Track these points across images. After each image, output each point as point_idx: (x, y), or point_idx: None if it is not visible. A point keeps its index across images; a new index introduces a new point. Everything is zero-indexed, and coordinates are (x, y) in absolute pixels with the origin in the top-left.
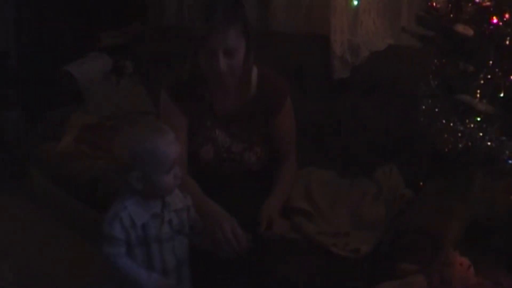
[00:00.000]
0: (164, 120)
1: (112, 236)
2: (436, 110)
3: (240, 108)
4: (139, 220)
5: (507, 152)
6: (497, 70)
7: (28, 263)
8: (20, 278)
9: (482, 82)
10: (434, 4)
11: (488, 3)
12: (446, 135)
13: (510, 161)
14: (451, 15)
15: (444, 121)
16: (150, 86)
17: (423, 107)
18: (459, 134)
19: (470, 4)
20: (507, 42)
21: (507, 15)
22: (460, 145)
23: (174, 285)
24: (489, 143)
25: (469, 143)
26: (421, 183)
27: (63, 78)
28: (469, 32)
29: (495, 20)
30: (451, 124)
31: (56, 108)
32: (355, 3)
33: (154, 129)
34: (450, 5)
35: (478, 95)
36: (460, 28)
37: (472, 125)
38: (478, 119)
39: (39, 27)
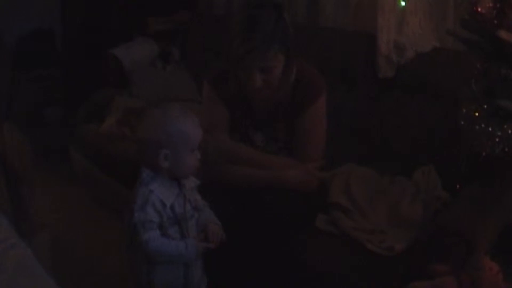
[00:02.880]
0: (207, 112)
1: (148, 221)
2: (476, 114)
3: (277, 107)
4: (167, 201)
5: None
6: None
7: (63, 241)
8: (55, 254)
9: None
10: (479, 9)
11: None
12: (484, 139)
13: None
14: (495, 21)
15: (483, 125)
16: (196, 74)
17: (464, 110)
18: (497, 139)
19: None
20: None
21: None
22: (497, 150)
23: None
24: None
25: (506, 149)
26: (458, 186)
27: (109, 61)
28: None
29: None
30: (490, 129)
31: (100, 90)
32: (403, 3)
33: (183, 112)
34: (494, 10)
35: None
36: (503, 34)
37: (510, 131)
38: None
39: (86, 8)
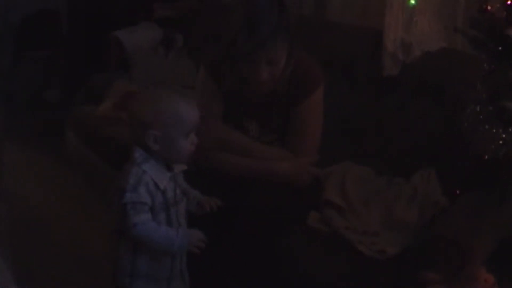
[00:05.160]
0: (201, 96)
1: (140, 202)
2: (481, 117)
3: (273, 97)
4: (161, 183)
5: None
6: None
7: (48, 220)
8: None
9: None
10: (489, 7)
11: None
12: (487, 142)
13: None
14: (505, 20)
15: (487, 127)
16: (198, 61)
17: (468, 111)
18: (501, 142)
19: None
20: None
21: None
22: (500, 154)
23: (201, 234)
24: None
25: (510, 153)
26: (458, 191)
27: (111, 44)
28: None
29: None
30: (494, 131)
31: (100, 73)
32: (413, 2)
33: (179, 92)
34: (504, 9)
35: None
36: None
37: None
38: None
39: None
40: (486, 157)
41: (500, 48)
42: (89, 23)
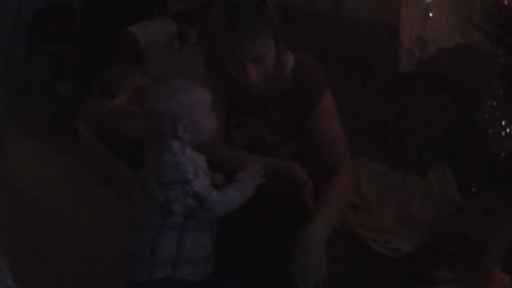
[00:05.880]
0: None
1: (207, 183)
2: (498, 113)
3: (276, 97)
4: (204, 165)
5: None
6: None
7: (53, 213)
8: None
9: None
10: (505, 2)
11: None
12: (504, 139)
13: None
14: None
15: (504, 123)
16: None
17: (484, 108)
18: None
19: None
20: None
21: None
22: None
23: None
24: None
25: None
26: (474, 189)
27: (125, 38)
28: None
29: None
30: (511, 127)
31: (113, 67)
32: None
33: (186, 80)
34: None
35: None
36: None
37: None
38: None
39: None
40: (503, 154)
41: None
42: (103, 17)
